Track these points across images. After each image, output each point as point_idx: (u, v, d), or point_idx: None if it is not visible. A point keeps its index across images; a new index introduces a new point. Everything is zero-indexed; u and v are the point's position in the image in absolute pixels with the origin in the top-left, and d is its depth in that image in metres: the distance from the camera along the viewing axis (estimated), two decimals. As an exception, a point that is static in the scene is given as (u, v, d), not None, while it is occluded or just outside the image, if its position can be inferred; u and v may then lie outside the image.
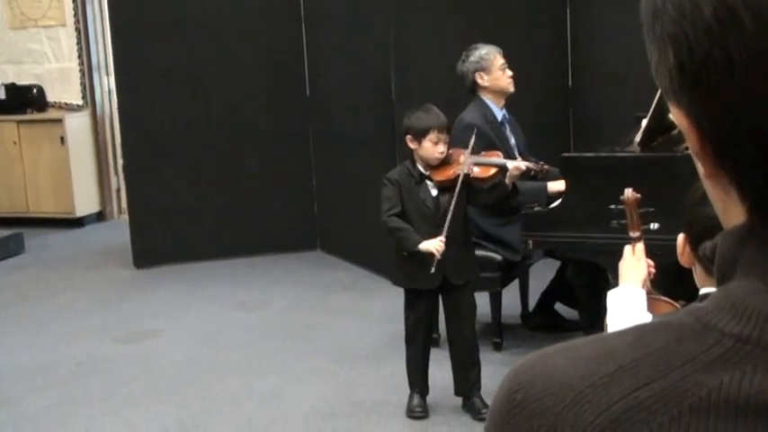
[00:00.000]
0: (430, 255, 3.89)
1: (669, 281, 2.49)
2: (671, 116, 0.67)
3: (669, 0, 0.62)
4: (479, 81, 4.76)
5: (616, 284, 2.42)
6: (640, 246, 2.45)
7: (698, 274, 2.02)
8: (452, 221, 3.95)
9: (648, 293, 2.32)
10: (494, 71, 4.77)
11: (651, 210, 2.69)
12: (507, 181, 4.08)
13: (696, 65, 0.62)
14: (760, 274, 0.63)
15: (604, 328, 2.27)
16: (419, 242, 3.93)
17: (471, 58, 4.79)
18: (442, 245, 3.89)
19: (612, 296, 2.30)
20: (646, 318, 2.19)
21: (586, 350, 0.66)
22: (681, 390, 0.60)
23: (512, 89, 4.82)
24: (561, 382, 0.64)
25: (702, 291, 1.98)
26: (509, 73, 4.80)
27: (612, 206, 2.74)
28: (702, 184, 0.70)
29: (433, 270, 3.88)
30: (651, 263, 2.43)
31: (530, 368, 0.68)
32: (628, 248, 2.45)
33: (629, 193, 2.62)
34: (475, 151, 4.17)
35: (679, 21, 0.62)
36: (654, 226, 2.79)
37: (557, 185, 4.48)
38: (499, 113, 4.83)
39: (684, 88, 0.63)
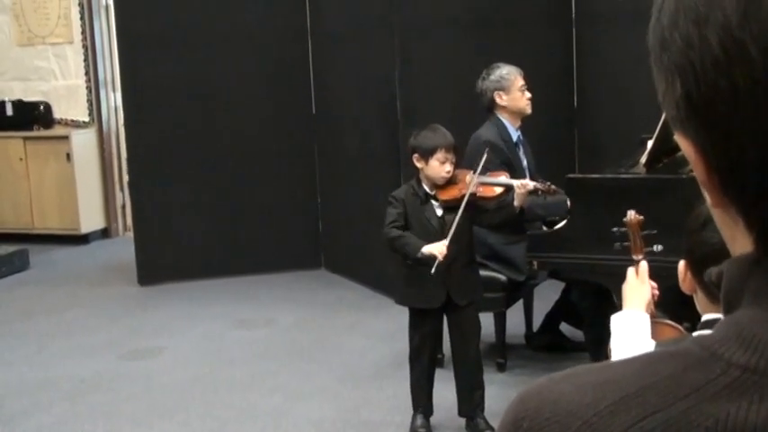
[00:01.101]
0: (432, 258, 3.86)
1: (673, 304, 2.47)
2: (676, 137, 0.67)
3: (677, 30, 0.63)
4: (498, 100, 4.77)
5: (621, 306, 2.40)
6: (644, 268, 2.42)
7: (699, 300, 2.01)
8: (456, 235, 3.93)
9: (652, 317, 2.30)
10: (513, 91, 4.78)
11: (654, 232, 2.67)
12: (516, 202, 4.08)
13: (703, 95, 0.62)
14: (766, 304, 0.63)
15: (608, 353, 2.24)
16: (421, 245, 3.91)
17: (492, 77, 4.80)
18: (445, 248, 3.86)
19: (616, 320, 2.28)
20: (650, 343, 2.17)
21: (593, 377, 0.66)
22: (687, 420, 0.60)
23: (529, 111, 4.83)
24: (567, 410, 0.64)
25: (704, 317, 1.97)
26: (528, 95, 4.81)
27: (615, 228, 2.73)
28: (703, 210, 0.71)
29: (433, 271, 3.82)
30: (655, 285, 2.40)
31: (536, 394, 0.68)
32: (631, 271, 2.42)
33: (631, 215, 2.60)
34: (481, 171, 4.18)
35: (686, 51, 0.62)
36: (657, 248, 2.77)
37: None
38: (514, 134, 4.84)
39: (691, 118, 0.64)
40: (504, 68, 4.82)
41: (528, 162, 4.90)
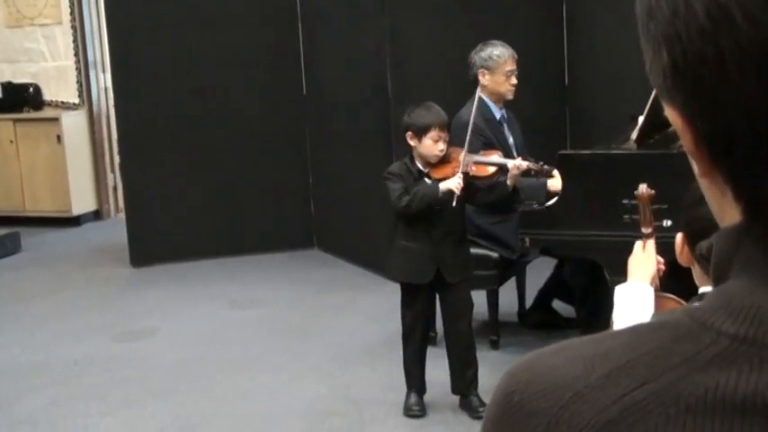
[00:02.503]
0: (450, 193, 3.92)
1: (665, 279, 2.48)
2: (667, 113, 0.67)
3: (663, -1, 0.62)
4: (480, 78, 4.72)
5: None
6: (651, 242, 2.42)
7: (696, 273, 2.02)
8: (449, 213, 3.97)
9: (656, 291, 2.30)
10: (498, 74, 4.73)
11: (665, 206, 2.65)
12: (509, 181, 4.08)
13: (689, 64, 0.61)
14: (755, 273, 0.63)
15: (611, 324, 2.25)
16: (437, 186, 3.96)
17: (482, 53, 4.75)
18: (460, 180, 3.93)
19: (620, 291, 2.27)
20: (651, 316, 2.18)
21: (583, 350, 0.66)
22: (677, 390, 0.60)
23: (510, 97, 4.77)
24: (558, 383, 0.64)
25: (701, 290, 1.98)
26: (513, 81, 4.74)
27: (626, 201, 2.71)
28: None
29: (454, 204, 3.92)
30: (661, 260, 2.40)
31: (526, 368, 0.68)
32: (638, 244, 2.42)
33: (643, 188, 2.58)
34: (473, 150, 4.17)
35: (672, 20, 0.62)
36: (667, 223, 2.76)
37: (556, 183, 4.45)
38: (497, 113, 4.80)
39: (678, 87, 0.63)
40: (498, 49, 4.76)
41: (515, 139, 4.87)
